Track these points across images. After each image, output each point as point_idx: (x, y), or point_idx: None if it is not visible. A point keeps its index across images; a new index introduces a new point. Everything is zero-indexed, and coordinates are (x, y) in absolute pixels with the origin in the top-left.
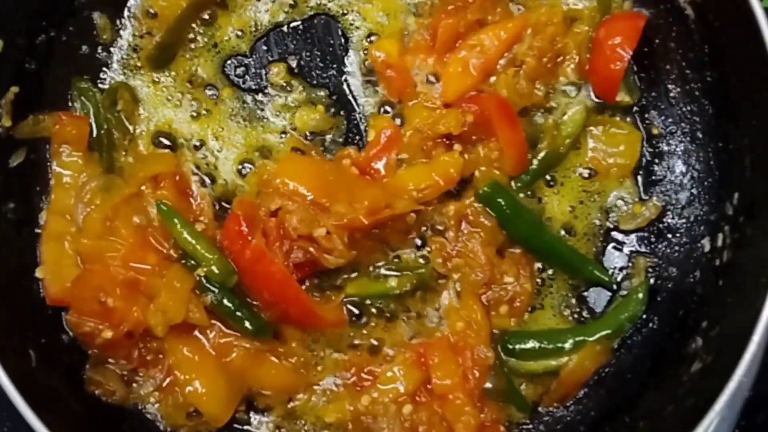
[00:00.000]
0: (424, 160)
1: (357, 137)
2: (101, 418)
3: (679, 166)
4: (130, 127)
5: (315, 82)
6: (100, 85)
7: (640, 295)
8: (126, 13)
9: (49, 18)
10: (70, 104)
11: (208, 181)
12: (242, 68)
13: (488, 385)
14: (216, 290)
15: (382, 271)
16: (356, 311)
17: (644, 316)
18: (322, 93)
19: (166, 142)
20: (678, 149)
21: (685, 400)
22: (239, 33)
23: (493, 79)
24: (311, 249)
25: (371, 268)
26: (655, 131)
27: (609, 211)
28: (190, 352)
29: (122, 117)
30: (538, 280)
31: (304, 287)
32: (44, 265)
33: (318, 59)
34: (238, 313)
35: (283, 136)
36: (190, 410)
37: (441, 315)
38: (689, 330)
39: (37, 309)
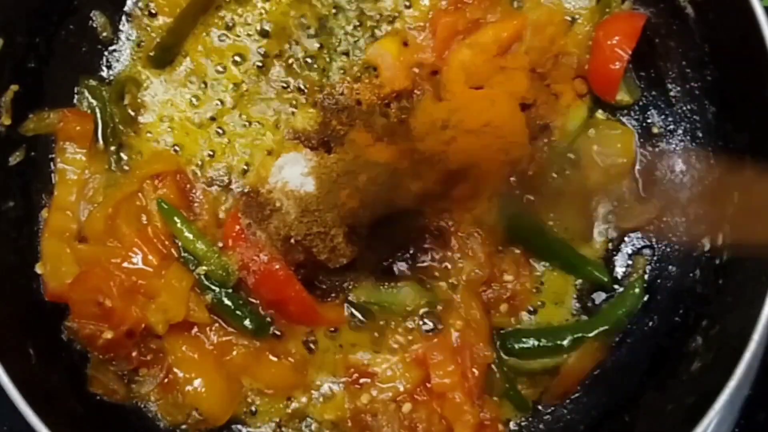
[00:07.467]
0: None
1: None
2: (101, 417)
3: (679, 166)
4: (136, 122)
5: (315, 80)
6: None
7: (637, 290)
8: (126, 12)
9: (49, 17)
10: (74, 101)
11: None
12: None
13: (487, 383)
14: (216, 289)
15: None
16: (356, 309)
17: (644, 315)
18: (321, 92)
19: (169, 141)
20: (678, 148)
21: (685, 399)
22: (246, 31)
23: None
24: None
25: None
26: (655, 130)
27: (609, 211)
28: (189, 351)
29: (128, 112)
30: (538, 279)
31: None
32: (44, 261)
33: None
34: (238, 312)
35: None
36: (190, 409)
37: (441, 314)
38: (689, 329)
39: (37, 308)
